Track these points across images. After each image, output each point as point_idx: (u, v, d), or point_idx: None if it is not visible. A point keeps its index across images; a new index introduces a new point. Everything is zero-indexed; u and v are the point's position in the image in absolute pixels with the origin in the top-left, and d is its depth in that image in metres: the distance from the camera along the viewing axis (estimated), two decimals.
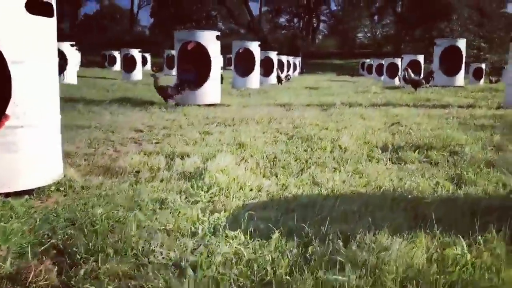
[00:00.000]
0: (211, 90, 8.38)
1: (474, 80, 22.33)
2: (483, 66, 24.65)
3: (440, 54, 14.57)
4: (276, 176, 3.47)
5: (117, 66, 27.69)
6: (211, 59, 8.30)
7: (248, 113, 6.56)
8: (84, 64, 34.14)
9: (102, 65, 31.81)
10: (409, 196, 3.01)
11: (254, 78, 13.95)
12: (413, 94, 10.45)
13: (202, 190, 3.03)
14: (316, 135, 4.90)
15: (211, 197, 2.95)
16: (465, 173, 3.46)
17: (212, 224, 2.42)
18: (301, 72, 36.95)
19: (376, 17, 59.57)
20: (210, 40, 8.35)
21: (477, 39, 43.74)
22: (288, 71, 26.86)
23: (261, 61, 18.90)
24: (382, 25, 59.15)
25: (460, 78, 14.66)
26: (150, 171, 3.49)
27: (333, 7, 62.89)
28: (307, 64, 42.45)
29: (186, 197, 2.91)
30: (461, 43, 14.73)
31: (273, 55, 18.93)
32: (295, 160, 3.89)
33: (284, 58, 24.78)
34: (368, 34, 61.85)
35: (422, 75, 13.45)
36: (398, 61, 20.30)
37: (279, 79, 15.73)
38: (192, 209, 2.62)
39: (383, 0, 55.26)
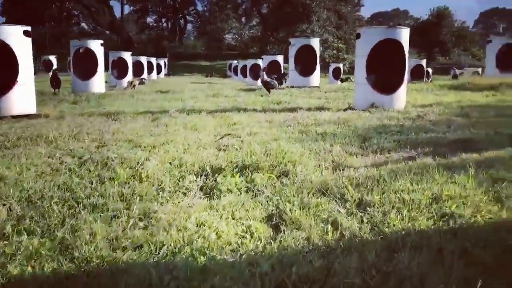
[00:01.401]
0: (19, 98, 6.72)
1: (334, 80, 23.11)
2: (341, 66, 25.80)
3: (295, 53, 14.19)
4: (8, 239, 2.23)
5: None
6: (18, 60, 6.67)
7: (51, 127, 5.14)
8: None
9: None
10: (199, 258, 2.01)
11: (97, 81, 12.30)
12: (266, 97, 9.79)
13: None
14: (120, 156, 3.73)
15: None
16: (288, 208, 2.57)
17: None
18: (167, 74, 35.51)
19: (243, 19, 60.07)
20: (15, 37, 6.70)
21: (336, 40, 46.27)
22: (150, 73, 25.27)
23: (114, 62, 17.27)
24: (249, 27, 59.86)
25: (315, 78, 14.38)
26: None
27: (200, 7, 61.86)
28: (175, 65, 41.15)
29: None
30: (315, 42, 14.46)
31: (127, 55, 17.34)
32: (63, 204, 2.68)
33: (144, 59, 23.13)
34: (236, 36, 62.16)
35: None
36: (260, 62, 20.00)
37: (130, 83, 14.22)
38: None
39: (249, 2, 55.90)
